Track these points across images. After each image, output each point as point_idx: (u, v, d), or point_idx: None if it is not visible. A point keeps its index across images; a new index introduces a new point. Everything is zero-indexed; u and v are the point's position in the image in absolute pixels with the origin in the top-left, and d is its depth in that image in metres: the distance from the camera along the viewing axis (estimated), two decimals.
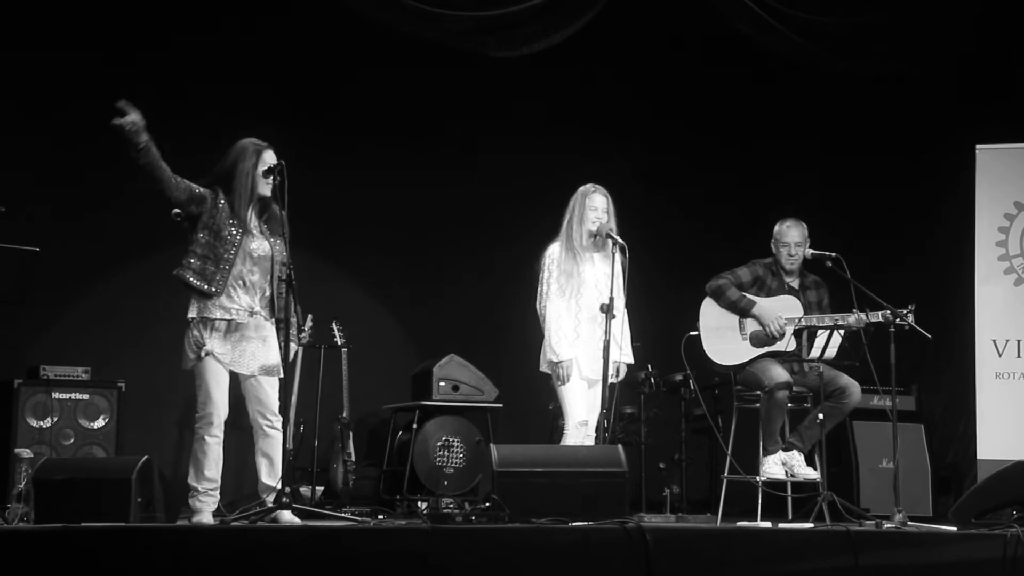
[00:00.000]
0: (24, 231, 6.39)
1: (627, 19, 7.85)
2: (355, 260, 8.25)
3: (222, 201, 5.65)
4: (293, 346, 5.84)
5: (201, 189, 5.64)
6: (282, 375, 5.75)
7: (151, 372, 7.38)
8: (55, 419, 6.83)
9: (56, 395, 6.87)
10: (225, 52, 7.70)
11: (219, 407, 5.61)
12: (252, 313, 5.66)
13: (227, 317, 5.62)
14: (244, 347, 5.65)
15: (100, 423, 6.96)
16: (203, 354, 5.59)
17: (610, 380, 6.09)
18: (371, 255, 8.31)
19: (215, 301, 5.60)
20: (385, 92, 8.23)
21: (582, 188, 6.38)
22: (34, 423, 6.80)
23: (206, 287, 5.58)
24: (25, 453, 5.99)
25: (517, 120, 8.54)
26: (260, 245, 5.69)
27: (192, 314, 5.63)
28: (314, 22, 7.74)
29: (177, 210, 5.73)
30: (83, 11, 7.38)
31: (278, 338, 5.67)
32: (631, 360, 6.38)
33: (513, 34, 7.18)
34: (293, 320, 5.69)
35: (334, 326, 7.66)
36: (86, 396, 6.95)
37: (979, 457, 7.85)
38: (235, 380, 5.72)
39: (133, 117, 5.41)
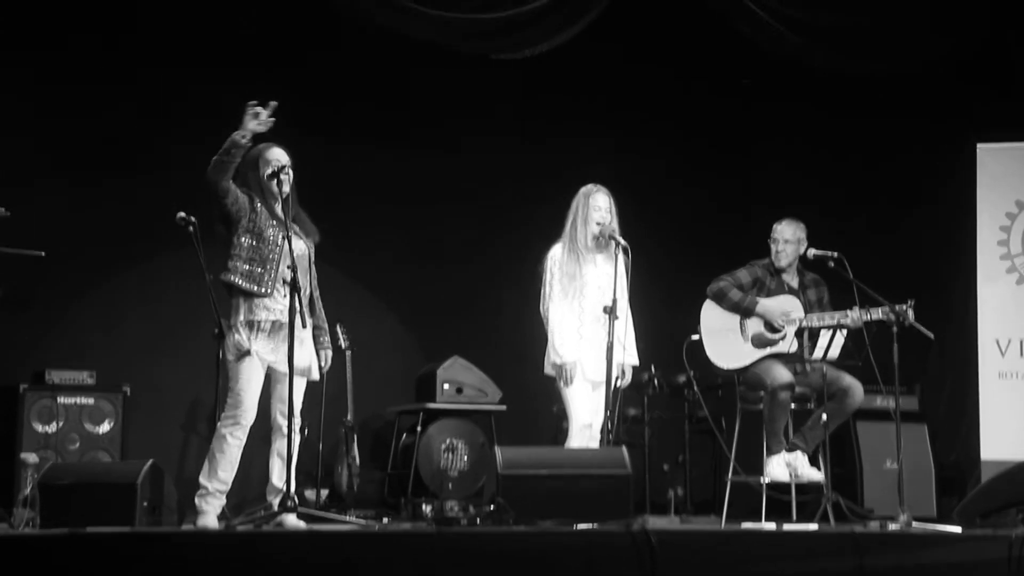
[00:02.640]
0: (28, 235, 6.40)
1: (631, 18, 7.86)
2: (359, 263, 8.25)
3: (259, 204, 5.72)
4: (328, 353, 6.01)
5: (243, 194, 5.69)
6: (316, 377, 5.89)
7: (156, 376, 7.39)
8: (60, 424, 6.84)
9: (61, 400, 6.88)
10: (219, 41, 7.69)
11: (248, 410, 5.68)
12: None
13: (271, 318, 5.69)
14: (284, 347, 5.66)
15: (105, 427, 6.97)
16: (244, 354, 5.65)
17: (616, 383, 6.08)
18: (375, 258, 8.30)
19: (261, 303, 5.66)
20: (386, 92, 8.24)
21: (584, 188, 6.32)
22: (39, 428, 6.81)
23: (256, 288, 5.66)
24: (31, 458, 6.00)
25: (523, 120, 8.54)
26: (297, 245, 5.78)
27: (240, 317, 5.69)
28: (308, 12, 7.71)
29: (182, 213, 5.77)
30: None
31: (314, 342, 5.87)
32: (636, 362, 6.34)
33: (514, 38, 7.18)
34: (325, 326, 5.94)
35: (338, 329, 7.66)
36: (91, 400, 6.97)
37: (983, 458, 7.86)
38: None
39: (267, 117, 5.49)
